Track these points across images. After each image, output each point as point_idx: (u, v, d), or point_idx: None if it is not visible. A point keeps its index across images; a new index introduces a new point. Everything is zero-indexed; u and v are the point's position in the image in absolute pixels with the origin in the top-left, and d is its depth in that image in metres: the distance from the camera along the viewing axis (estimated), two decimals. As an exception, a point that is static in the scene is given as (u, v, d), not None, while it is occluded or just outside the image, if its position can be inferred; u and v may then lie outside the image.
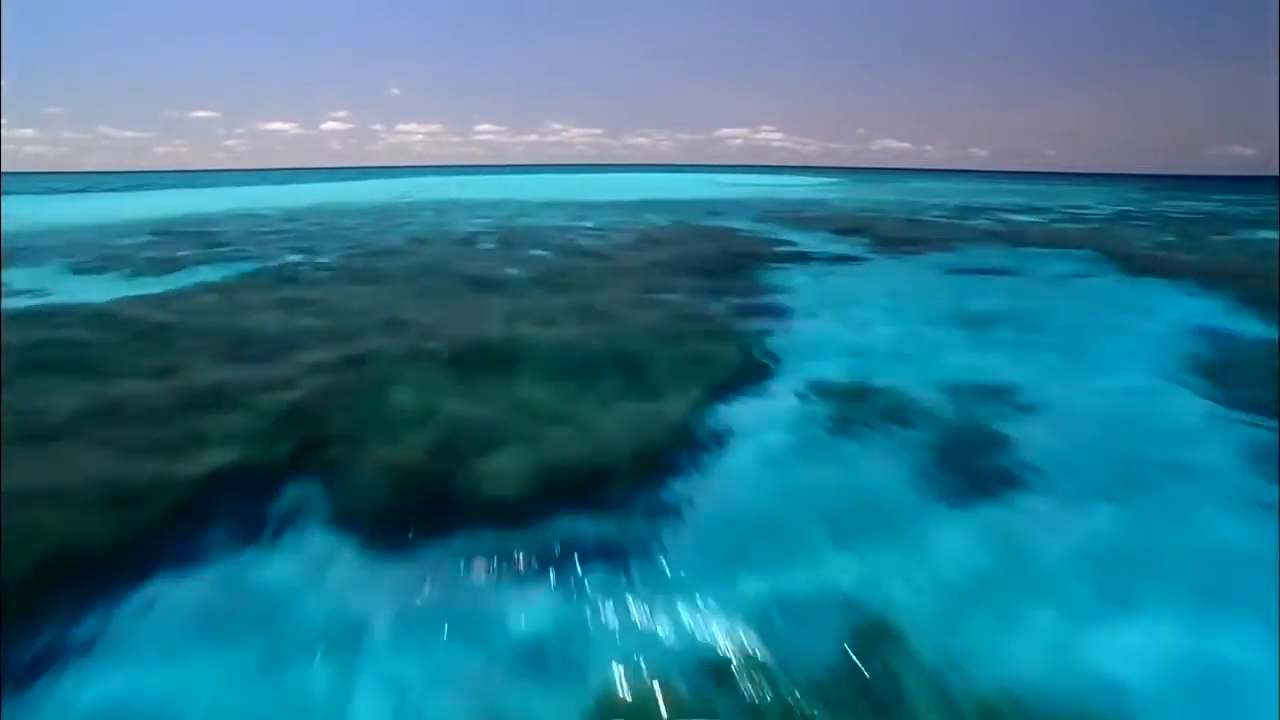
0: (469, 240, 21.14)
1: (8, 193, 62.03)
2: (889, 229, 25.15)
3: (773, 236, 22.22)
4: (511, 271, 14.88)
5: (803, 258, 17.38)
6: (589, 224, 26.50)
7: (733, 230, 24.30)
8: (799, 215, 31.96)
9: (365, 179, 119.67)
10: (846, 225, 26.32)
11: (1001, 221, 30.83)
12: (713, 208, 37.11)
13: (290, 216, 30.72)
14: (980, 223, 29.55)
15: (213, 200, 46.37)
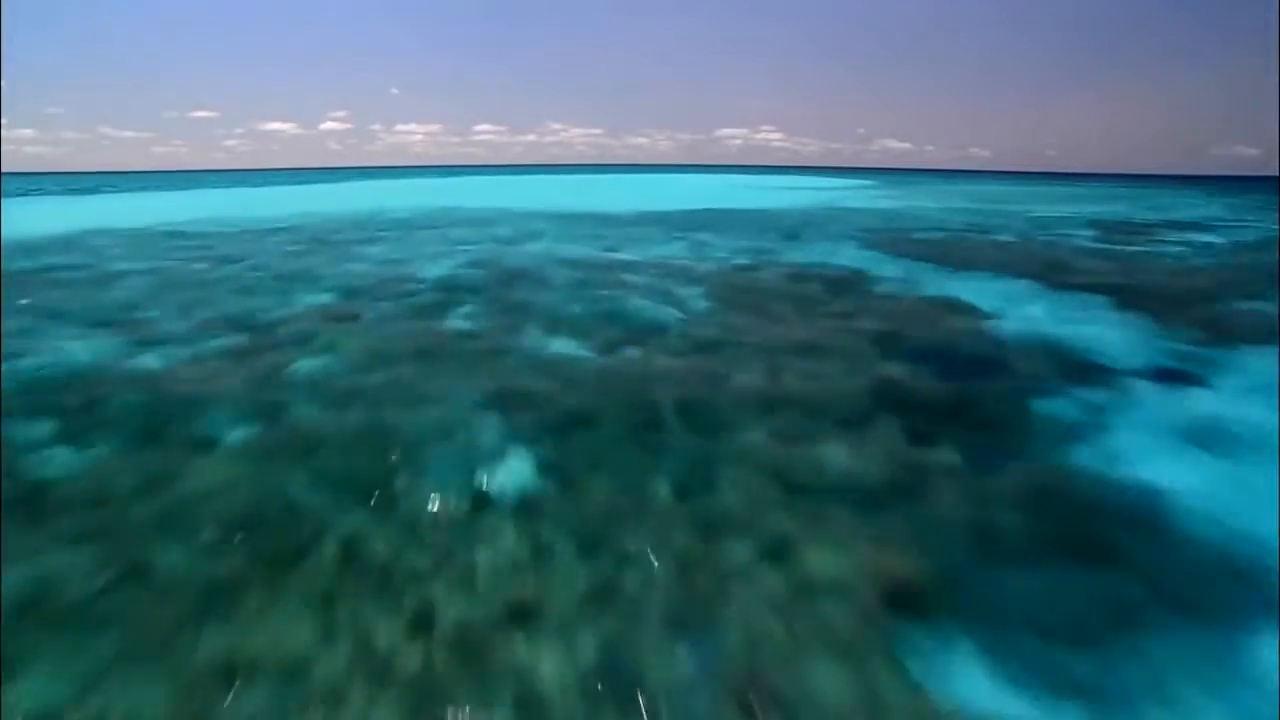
0: (435, 306, 12.47)
1: (8, 194, 59.61)
2: (1086, 266, 16.47)
3: (936, 293, 13.48)
4: (503, 472, 6.20)
5: (1077, 371, 8.68)
6: (627, 258, 17.83)
7: (858, 276, 15.56)
8: (907, 241, 23.23)
9: (362, 179, 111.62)
10: (1004, 259, 17.68)
11: (1189, 245, 22.21)
12: (778, 226, 28.33)
13: (209, 240, 22.20)
14: (1166, 251, 20.85)
15: (154, 208, 37.95)
